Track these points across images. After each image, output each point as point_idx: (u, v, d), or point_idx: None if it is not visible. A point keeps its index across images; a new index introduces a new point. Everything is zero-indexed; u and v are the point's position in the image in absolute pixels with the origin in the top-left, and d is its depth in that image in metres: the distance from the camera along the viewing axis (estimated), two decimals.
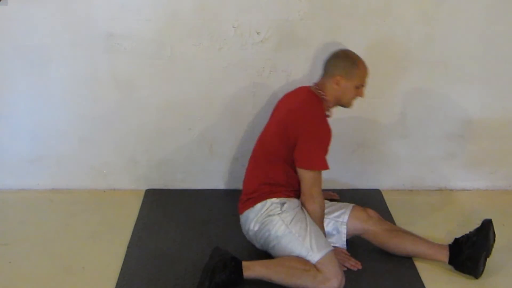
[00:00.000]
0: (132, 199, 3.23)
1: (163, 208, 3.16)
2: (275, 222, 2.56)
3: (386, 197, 3.27)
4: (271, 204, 2.60)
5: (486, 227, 2.66)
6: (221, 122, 3.22)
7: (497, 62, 3.14)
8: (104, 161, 3.29)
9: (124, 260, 2.71)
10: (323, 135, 2.59)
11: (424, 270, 2.67)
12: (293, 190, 2.66)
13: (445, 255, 2.69)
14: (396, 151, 3.32)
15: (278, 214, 2.57)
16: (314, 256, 2.45)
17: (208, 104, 3.18)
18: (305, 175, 2.57)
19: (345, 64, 2.63)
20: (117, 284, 2.55)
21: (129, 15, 2.99)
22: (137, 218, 3.06)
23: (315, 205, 2.58)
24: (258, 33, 3.03)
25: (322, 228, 2.60)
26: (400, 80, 3.16)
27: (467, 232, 2.69)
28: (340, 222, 2.72)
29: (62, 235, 2.93)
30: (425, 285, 2.60)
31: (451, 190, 3.39)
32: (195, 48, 3.05)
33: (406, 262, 2.72)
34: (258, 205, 2.61)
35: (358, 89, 2.65)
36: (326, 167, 2.59)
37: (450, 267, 2.68)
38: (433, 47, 3.09)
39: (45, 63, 3.07)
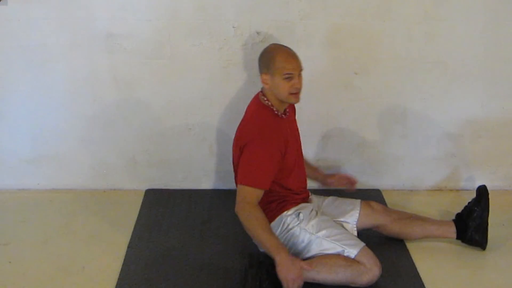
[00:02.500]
0: (132, 199, 3.23)
1: (163, 208, 3.16)
2: (298, 233, 2.56)
3: (386, 197, 3.27)
4: (285, 218, 2.58)
5: (484, 195, 2.80)
6: (221, 122, 3.22)
7: (497, 62, 3.14)
8: (104, 161, 3.29)
9: (124, 260, 2.71)
10: (265, 146, 2.47)
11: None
12: (296, 194, 2.66)
13: (452, 232, 2.81)
14: (396, 151, 3.32)
15: (298, 225, 2.56)
16: (352, 251, 2.48)
17: (208, 104, 3.18)
18: (239, 190, 2.48)
19: (263, 61, 2.53)
20: (117, 284, 2.55)
21: (129, 15, 2.99)
22: (137, 218, 3.06)
23: (247, 217, 2.42)
24: (258, 33, 3.03)
25: (270, 234, 2.42)
26: (400, 80, 3.16)
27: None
28: (351, 222, 2.72)
29: (62, 235, 2.93)
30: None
31: (451, 190, 3.39)
32: (195, 48, 3.05)
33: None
34: (273, 224, 2.58)
35: (290, 80, 2.47)
36: (261, 185, 2.46)
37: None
38: (433, 47, 3.09)
39: (45, 63, 3.07)
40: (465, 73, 3.16)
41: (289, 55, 2.50)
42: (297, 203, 2.64)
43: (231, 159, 3.26)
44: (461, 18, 3.04)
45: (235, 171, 2.63)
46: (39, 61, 3.07)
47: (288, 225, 2.57)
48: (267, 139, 2.49)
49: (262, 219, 2.44)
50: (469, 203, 2.84)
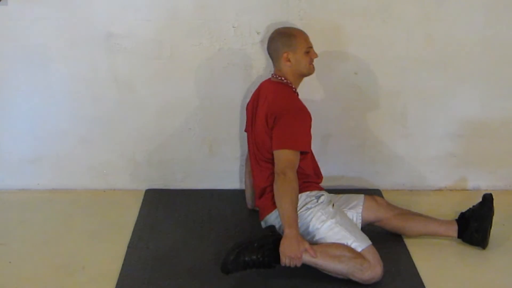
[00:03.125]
0: (132, 199, 3.23)
1: (163, 208, 3.16)
2: (314, 214, 2.57)
3: (386, 197, 3.25)
4: (306, 197, 2.60)
5: (489, 200, 2.81)
6: (221, 122, 3.22)
7: (497, 62, 3.14)
8: (104, 161, 3.29)
9: (124, 260, 2.71)
10: (299, 115, 2.61)
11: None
12: (317, 178, 2.76)
13: (454, 230, 2.82)
14: (396, 151, 3.32)
15: (315, 206, 2.59)
16: (359, 245, 2.49)
17: (208, 104, 3.18)
18: (279, 155, 2.53)
19: (283, 41, 2.69)
20: (117, 284, 2.55)
21: (129, 15, 2.99)
22: (137, 218, 3.06)
23: (285, 183, 2.46)
24: (258, 33, 3.03)
25: (294, 208, 2.45)
26: (400, 80, 3.16)
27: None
28: (355, 213, 2.75)
29: (62, 235, 2.93)
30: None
31: (451, 190, 3.39)
32: (195, 48, 3.05)
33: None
34: None
35: (309, 53, 2.70)
36: (303, 147, 2.58)
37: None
38: (433, 47, 3.09)
39: (45, 63, 3.07)
40: (465, 73, 3.16)
41: (303, 32, 2.75)
42: (319, 189, 2.70)
43: (231, 159, 3.28)
44: (461, 18, 3.05)
45: (258, 145, 2.70)
46: (39, 61, 3.07)
47: (307, 203, 2.59)
48: (299, 109, 2.64)
49: (296, 192, 2.49)
50: (473, 205, 2.84)
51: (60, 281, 2.59)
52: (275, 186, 2.52)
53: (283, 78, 2.71)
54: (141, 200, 3.23)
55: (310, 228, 2.57)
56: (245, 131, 2.94)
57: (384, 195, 3.28)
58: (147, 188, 3.34)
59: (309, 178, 2.69)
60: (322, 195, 2.65)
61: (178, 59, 3.08)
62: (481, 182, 3.35)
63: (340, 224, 2.55)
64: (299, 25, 3.00)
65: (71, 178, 3.31)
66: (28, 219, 3.06)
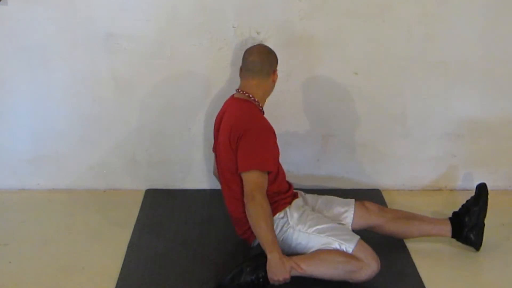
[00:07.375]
0: (132, 199, 3.23)
1: (163, 208, 3.16)
2: (291, 233, 2.56)
3: (386, 197, 3.27)
4: (279, 220, 2.58)
5: (483, 193, 2.79)
6: None
7: (497, 62, 3.14)
8: (104, 161, 3.29)
9: (124, 260, 2.71)
10: (263, 133, 2.53)
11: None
12: (285, 193, 2.66)
13: (448, 231, 2.79)
14: (396, 151, 3.32)
15: (290, 225, 2.57)
16: (348, 246, 2.47)
17: (208, 104, 3.18)
18: (247, 178, 2.47)
19: (273, 59, 2.65)
20: (117, 284, 2.55)
21: (129, 15, 2.99)
22: (137, 218, 3.06)
23: (256, 207, 2.42)
24: (258, 33, 3.03)
25: (271, 230, 2.43)
26: (400, 80, 3.16)
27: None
28: (345, 226, 2.69)
29: (62, 235, 2.93)
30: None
31: (451, 190, 3.39)
32: (195, 48, 3.05)
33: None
34: None
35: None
36: (268, 167, 2.50)
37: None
38: (433, 47, 3.09)
39: (45, 63, 3.07)
40: (465, 73, 3.16)
41: None
42: (287, 203, 2.64)
43: None
44: (461, 18, 3.05)
45: (224, 169, 2.63)
46: (39, 61, 3.07)
47: (282, 227, 2.57)
48: (262, 127, 2.56)
49: (268, 213, 2.45)
50: (467, 201, 2.83)
51: (60, 281, 2.59)
52: (247, 212, 2.47)
53: (250, 95, 2.60)
54: (141, 200, 3.23)
55: (295, 246, 2.56)
56: (213, 151, 2.81)
57: (384, 195, 3.29)
58: (147, 188, 3.34)
59: (276, 196, 2.60)
60: (289, 208, 2.59)
61: (178, 59, 3.08)
62: (481, 182, 3.35)
63: (322, 231, 2.52)
64: (299, 25, 3.01)
65: (71, 178, 3.31)
66: (28, 219, 3.06)
